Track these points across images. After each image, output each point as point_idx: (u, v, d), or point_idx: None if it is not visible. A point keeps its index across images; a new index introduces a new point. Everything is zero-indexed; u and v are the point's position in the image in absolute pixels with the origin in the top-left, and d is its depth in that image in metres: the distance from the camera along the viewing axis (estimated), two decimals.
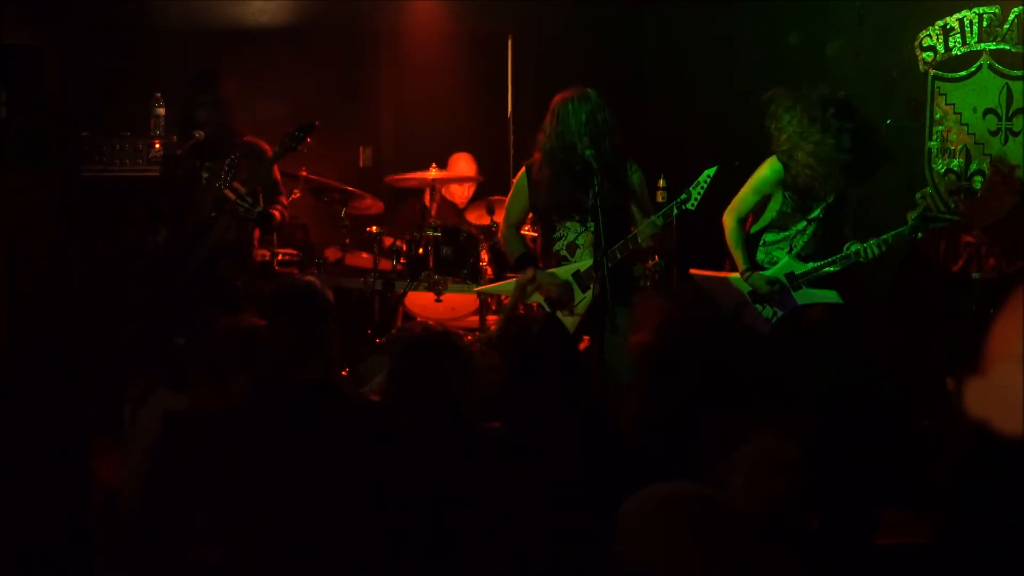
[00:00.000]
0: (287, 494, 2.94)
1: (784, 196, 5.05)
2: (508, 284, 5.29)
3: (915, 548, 2.56)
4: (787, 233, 5.14)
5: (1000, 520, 2.24)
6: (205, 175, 5.56)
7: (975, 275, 5.59)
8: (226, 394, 3.32)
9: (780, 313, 5.14)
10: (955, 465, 2.38)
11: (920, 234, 4.99)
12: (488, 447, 3.06)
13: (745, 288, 5.14)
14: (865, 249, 4.92)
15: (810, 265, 5.07)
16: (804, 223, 5.10)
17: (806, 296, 5.10)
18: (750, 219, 5.20)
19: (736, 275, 5.16)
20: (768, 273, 5.11)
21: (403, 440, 3.07)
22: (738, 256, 5.14)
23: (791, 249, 5.13)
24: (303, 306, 3.22)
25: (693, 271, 5.49)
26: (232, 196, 5.32)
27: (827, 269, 5.03)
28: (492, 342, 4.09)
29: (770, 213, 5.12)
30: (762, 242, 5.18)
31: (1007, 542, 2.22)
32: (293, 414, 3.05)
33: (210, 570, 2.92)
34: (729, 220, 5.14)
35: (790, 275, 5.10)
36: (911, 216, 5.07)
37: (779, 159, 4.95)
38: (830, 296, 5.08)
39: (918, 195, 5.87)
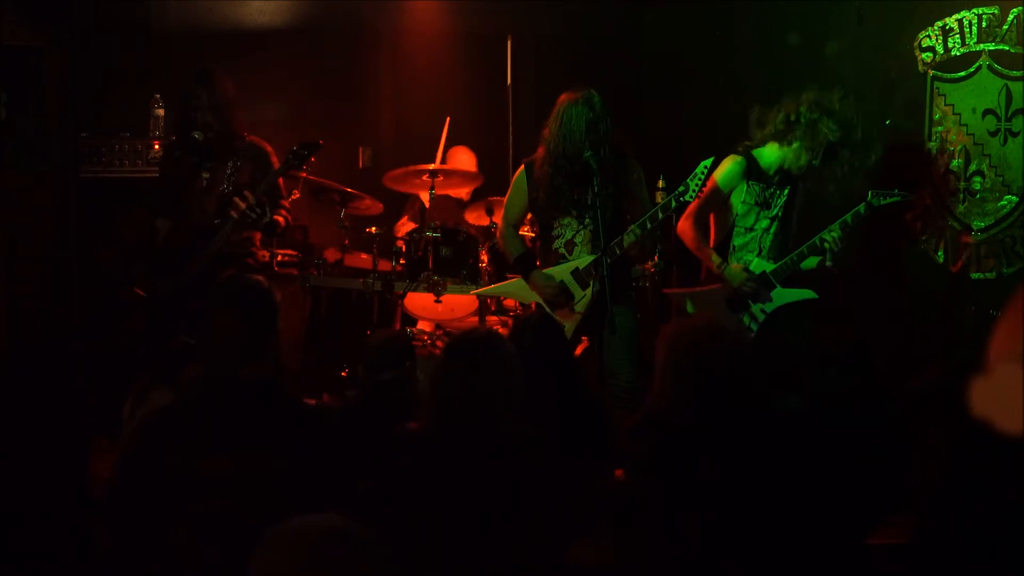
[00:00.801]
0: (245, 493, 2.90)
1: (747, 186, 5.10)
2: (508, 285, 5.29)
3: (900, 547, 2.53)
4: (754, 234, 5.15)
5: (978, 518, 2.25)
6: (206, 175, 5.55)
7: (975, 275, 5.60)
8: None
9: (759, 321, 5.12)
10: (932, 464, 2.38)
11: (877, 201, 5.03)
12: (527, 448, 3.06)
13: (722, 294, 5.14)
14: (828, 233, 4.98)
15: (779, 263, 5.11)
16: (767, 221, 5.14)
17: (782, 295, 5.11)
18: (712, 234, 5.20)
19: (713, 287, 5.15)
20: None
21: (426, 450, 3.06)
22: (708, 253, 5.13)
23: (760, 251, 5.15)
24: (254, 304, 3.16)
25: (667, 291, 5.53)
26: (243, 206, 5.30)
27: (798, 260, 5.07)
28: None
29: (734, 209, 5.14)
30: (731, 248, 5.19)
31: (984, 540, 2.23)
32: (241, 412, 3.01)
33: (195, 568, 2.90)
34: (687, 224, 5.12)
35: (763, 275, 5.11)
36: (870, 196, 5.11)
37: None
38: (806, 294, 5.13)
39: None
